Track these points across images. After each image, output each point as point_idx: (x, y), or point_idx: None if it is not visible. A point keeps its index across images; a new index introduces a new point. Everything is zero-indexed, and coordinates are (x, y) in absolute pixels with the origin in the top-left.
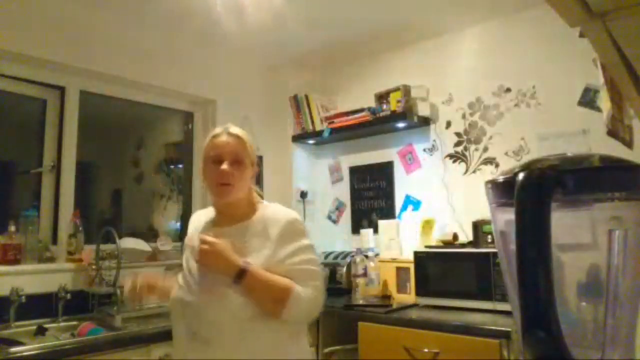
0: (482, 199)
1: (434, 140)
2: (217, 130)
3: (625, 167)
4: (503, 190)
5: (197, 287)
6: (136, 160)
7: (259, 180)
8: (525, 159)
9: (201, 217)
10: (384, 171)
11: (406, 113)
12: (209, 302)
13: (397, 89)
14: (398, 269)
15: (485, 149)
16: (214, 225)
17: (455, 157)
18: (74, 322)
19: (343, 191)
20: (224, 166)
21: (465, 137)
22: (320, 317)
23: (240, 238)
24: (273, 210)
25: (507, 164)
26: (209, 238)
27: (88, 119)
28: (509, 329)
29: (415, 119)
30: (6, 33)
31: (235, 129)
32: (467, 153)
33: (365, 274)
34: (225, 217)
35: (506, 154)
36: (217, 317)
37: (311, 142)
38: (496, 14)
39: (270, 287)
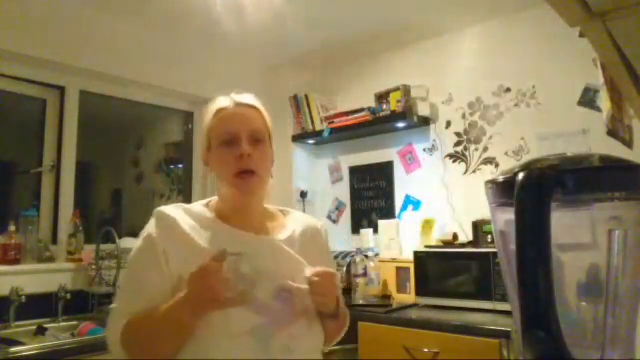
0: (482, 199)
1: (434, 140)
2: (222, 101)
3: (625, 167)
4: (503, 190)
5: (282, 313)
6: (136, 160)
7: None
8: (525, 159)
9: (183, 217)
10: (384, 171)
11: (406, 113)
12: (301, 333)
13: (397, 89)
14: (398, 269)
15: (485, 149)
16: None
17: (455, 157)
18: (74, 322)
19: (343, 191)
20: (244, 147)
21: (465, 137)
22: None
23: (298, 253)
24: (303, 216)
25: (507, 164)
26: (325, 269)
27: (88, 119)
28: (509, 329)
29: (415, 119)
30: (6, 33)
31: (245, 97)
32: (467, 153)
33: (365, 274)
34: (243, 219)
35: (506, 154)
36: (308, 348)
37: (311, 142)
38: (496, 14)
39: (344, 315)
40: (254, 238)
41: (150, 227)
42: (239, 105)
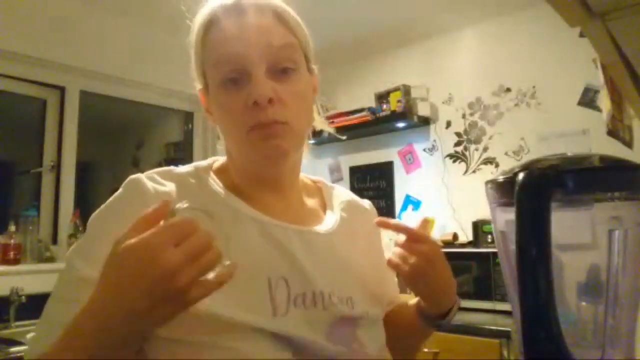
0: (482, 199)
1: (434, 140)
2: (215, 5)
3: (625, 167)
4: (503, 190)
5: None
6: (136, 160)
7: None
8: (525, 159)
9: (177, 194)
10: (384, 171)
11: (406, 113)
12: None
13: (397, 89)
14: None
15: (485, 149)
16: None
17: (455, 157)
18: None
19: None
20: (259, 86)
21: (465, 137)
22: None
23: (361, 248)
24: (343, 190)
25: (507, 164)
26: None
27: (88, 119)
28: (509, 329)
29: (415, 118)
30: (6, 33)
31: None
32: (467, 153)
33: None
34: (272, 197)
35: (506, 154)
36: None
37: (311, 142)
38: (496, 13)
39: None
40: (299, 233)
41: (111, 217)
42: (242, 8)
